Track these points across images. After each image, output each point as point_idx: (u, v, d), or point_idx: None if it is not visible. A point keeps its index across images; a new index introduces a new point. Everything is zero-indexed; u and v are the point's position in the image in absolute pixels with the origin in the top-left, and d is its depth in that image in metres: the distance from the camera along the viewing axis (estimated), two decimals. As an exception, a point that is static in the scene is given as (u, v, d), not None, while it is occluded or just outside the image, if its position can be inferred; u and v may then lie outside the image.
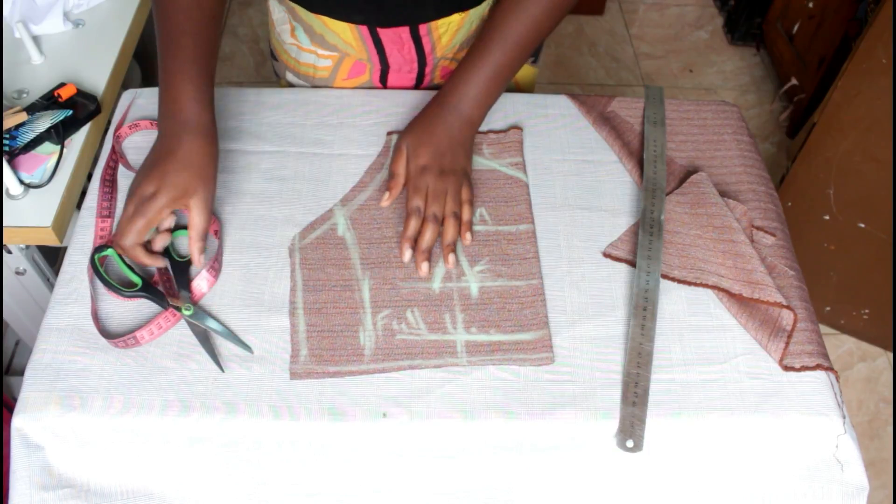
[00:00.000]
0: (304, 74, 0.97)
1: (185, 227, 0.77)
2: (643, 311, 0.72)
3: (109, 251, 0.74)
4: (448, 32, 0.90)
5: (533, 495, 0.68)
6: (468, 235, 0.78)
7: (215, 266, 0.75)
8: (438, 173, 0.79)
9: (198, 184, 0.72)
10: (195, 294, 0.73)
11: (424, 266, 0.75)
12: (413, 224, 0.76)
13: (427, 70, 0.95)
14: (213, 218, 0.77)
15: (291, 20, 0.93)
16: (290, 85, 1.00)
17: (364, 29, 0.88)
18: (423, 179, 0.78)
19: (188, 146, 0.73)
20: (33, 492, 0.65)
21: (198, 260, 0.73)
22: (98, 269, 0.73)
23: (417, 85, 0.97)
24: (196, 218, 0.72)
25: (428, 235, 0.76)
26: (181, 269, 0.75)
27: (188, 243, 0.73)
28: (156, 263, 0.74)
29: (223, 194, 0.82)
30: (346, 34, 0.90)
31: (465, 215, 0.78)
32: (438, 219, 0.77)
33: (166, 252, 0.76)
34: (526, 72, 1.02)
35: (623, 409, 0.66)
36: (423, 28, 0.89)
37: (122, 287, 0.72)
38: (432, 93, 0.93)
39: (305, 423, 0.66)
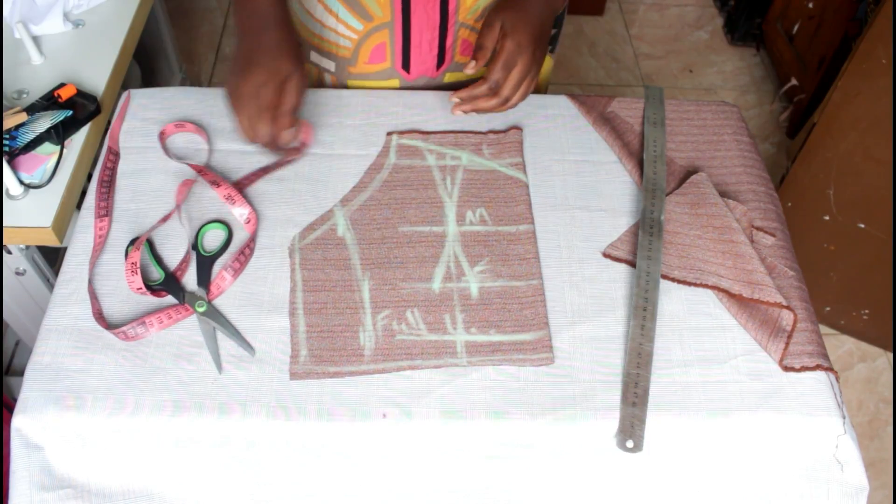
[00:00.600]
0: (328, 52, 0.97)
1: (214, 222, 0.79)
2: (643, 312, 0.72)
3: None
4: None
5: (533, 496, 0.68)
6: (471, 63, 0.80)
7: (235, 266, 0.75)
8: (530, 56, 0.79)
9: (296, 68, 0.75)
10: (213, 292, 0.73)
11: (458, 110, 0.81)
12: (483, 92, 0.79)
13: (448, 44, 0.94)
14: (252, 216, 0.78)
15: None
16: (314, 65, 1.00)
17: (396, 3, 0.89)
18: (515, 58, 0.78)
19: (275, 37, 0.76)
20: (33, 492, 0.65)
21: (287, 135, 0.76)
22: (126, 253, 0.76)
23: (438, 65, 0.96)
24: (286, 96, 0.75)
25: (484, 105, 0.80)
26: (205, 265, 0.75)
27: (278, 118, 0.75)
28: (287, 139, 0.77)
29: (223, 194, 0.82)
30: (373, 5, 0.89)
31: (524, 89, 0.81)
32: (507, 101, 0.80)
33: (193, 247, 0.77)
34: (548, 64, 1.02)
35: (623, 410, 0.66)
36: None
37: (146, 280, 0.73)
38: (432, 93, 0.94)
39: (305, 423, 0.66)
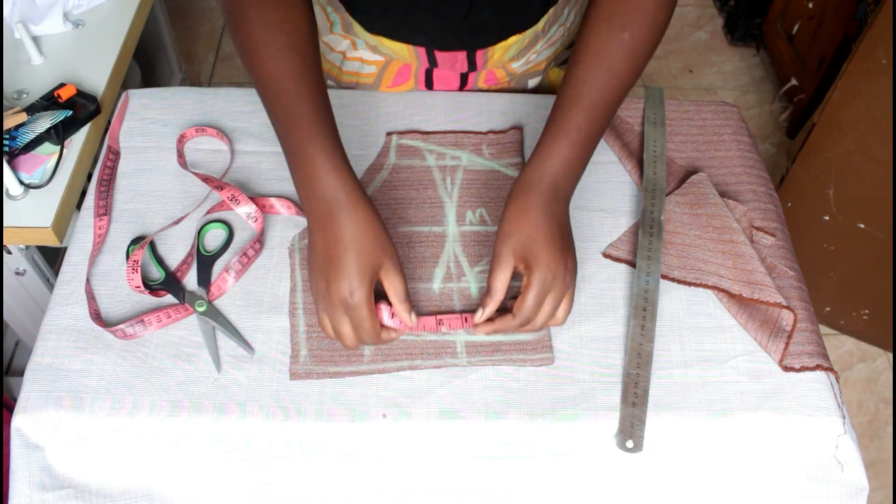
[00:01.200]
0: (348, 83, 0.96)
1: (216, 222, 0.79)
2: (643, 312, 0.72)
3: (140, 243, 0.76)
4: (502, 49, 0.89)
5: (533, 496, 0.68)
6: (483, 330, 0.70)
7: (237, 268, 0.75)
8: (559, 281, 0.67)
9: (382, 257, 0.66)
10: (213, 293, 0.73)
11: (481, 333, 0.70)
12: (511, 327, 0.68)
13: (471, 77, 0.95)
14: (258, 214, 0.78)
15: (342, 27, 0.91)
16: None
17: (422, 50, 0.89)
18: (543, 291, 0.67)
19: (351, 225, 0.65)
20: (33, 492, 0.65)
21: (408, 319, 0.68)
22: (127, 256, 0.75)
23: (461, 87, 0.97)
24: (391, 286, 0.66)
25: (506, 326, 0.69)
26: (205, 264, 0.75)
27: (395, 309, 0.68)
28: (389, 336, 0.69)
29: (223, 194, 0.82)
30: (402, 51, 0.90)
31: (539, 323, 0.68)
32: (538, 327, 0.69)
33: (195, 245, 0.77)
34: (560, 75, 1.03)
35: (623, 410, 0.66)
36: (479, 51, 0.89)
37: (147, 280, 0.73)
38: (432, 93, 0.94)
39: (305, 423, 0.66)
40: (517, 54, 0.92)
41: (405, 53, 0.90)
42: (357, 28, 0.89)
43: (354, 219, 0.65)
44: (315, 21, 0.73)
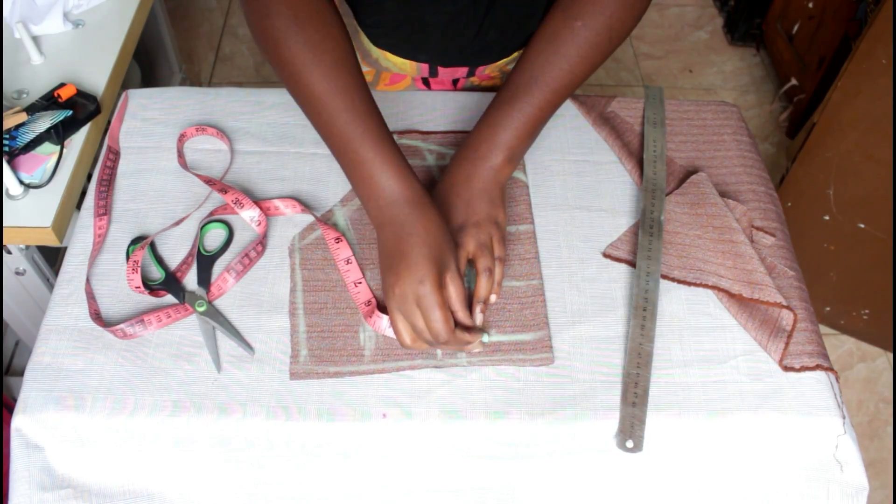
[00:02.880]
0: None
1: (215, 221, 0.78)
2: (643, 312, 0.72)
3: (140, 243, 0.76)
4: (502, 63, 0.91)
5: (533, 496, 0.68)
6: (493, 297, 0.71)
7: (238, 268, 0.75)
8: (473, 227, 0.73)
9: (448, 257, 0.67)
10: (214, 293, 0.73)
11: (480, 317, 0.71)
12: (485, 284, 0.71)
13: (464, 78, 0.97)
14: (262, 217, 0.78)
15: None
16: None
17: (424, 66, 0.90)
18: (468, 238, 0.72)
19: (416, 224, 0.67)
20: (33, 492, 0.65)
21: (470, 323, 0.68)
22: (127, 256, 0.75)
23: (454, 85, 0.97)
24: (452, 291, 0.67)
25: (482, 291, 0.71)
26: (205, 264, 0.75)
27: (455, 317, 0.67)
28: (476, 338, 0.69)
29: (223, 194, 0.82)
30: (405, 66, 0.91)
31: (497, 274, 0.72)
32: (490, 272, 0.71)
33: (196, 245, 0.77)
34: None
35: (623, 410, 0.66)
36: (481, 68, 0.90)
37: (147, 280, 0.73)
38: (432, 93, 0.94)
39: (305, 423, 0.66)
40: (513, 60, 0.92)
41: (407, 69, 0.91)
42: (363, 38, 0.90)
43: (423, 216, 0.68)
44: (350, 38, 0.73)
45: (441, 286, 0.66)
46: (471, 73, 0.92)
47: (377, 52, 0.91)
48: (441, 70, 0.91)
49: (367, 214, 0.72)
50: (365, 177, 0.69)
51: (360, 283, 0.74)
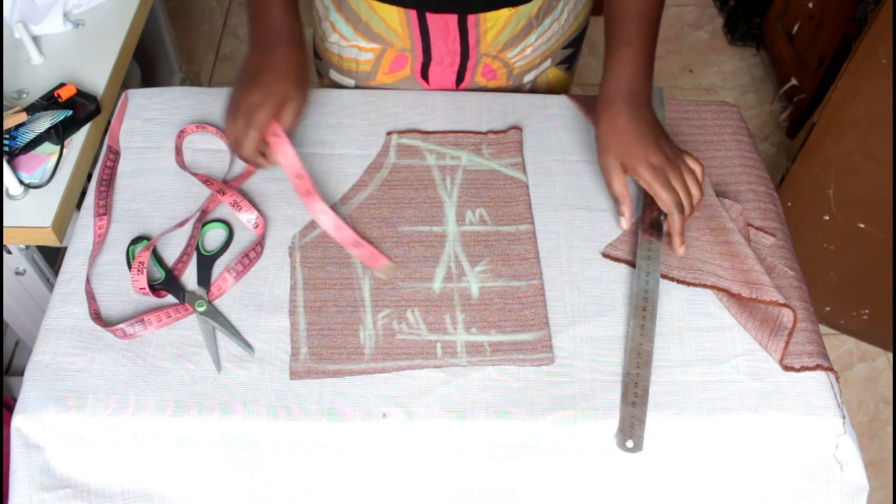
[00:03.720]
0: (348, 70, 0.98)
1: (215, 221, 0.79)
2: (643, 312, 0.72)
3: (143, 243, 0.76)
4: (495, 27, 0.90)
5: (533, 495, 0.68)
6: (681, 250, 0.77)
7: (238, 268, 0.75)
8: (670, 164, 0.75)
9: (296, 92, 0.77)
10: (214, 293, 0.73)
11: (681, 249, 0.76)
12: (678, 220, 0.74)
13: (469, 65, 0.95)
14: (260, 220, 0.78)
15: (336, 9, 0.93)
16: (333, 83, 1.01)
17: (413, 14, 0.89)
18: (661, 177, 0.74)
19: (283, 55, 0.77)
20: (33, 492, 0.65)
21: (277, 155, 0.77)
22: (129, 259, 0.75)
23: (458, 81, 0.97)
24: (287, 116, 0.76)
25: (677, 225, 0.75)
26: (205, 264, 0.75)
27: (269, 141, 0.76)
28: (264, 165, 0.79)
29: (223, 194, 0.82)
30: (393, 19, 0.90)
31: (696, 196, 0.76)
32: (688, 207, 0.75)
33: (194, 243, 0.77)
34: (562, 78, 1.03)
35: (623, 409, 0.66)
36: (471, 19, 0.89)
37: (147, 280, 0.73)
38: (432, 93, 0.94)
39: (305, 423, 0.66)
40: (511, 40, 0.92)
41: (395, 22, 0.90)
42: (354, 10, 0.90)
43: (289, 54, 0.78)
44: None
45: (274, 113, 0.75)
46: (463, 36, 0.91)
47: (366, 10, 0.90)
48: (431, 24, 0.89)
49: (248, 36, 0.81)
50: (262, 7, 0.80)
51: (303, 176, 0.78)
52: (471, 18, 0.89)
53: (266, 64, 0.77)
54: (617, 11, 0.81)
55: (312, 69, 0.80)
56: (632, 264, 0.77)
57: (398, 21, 0.90)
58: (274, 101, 0.75)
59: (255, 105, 0.75)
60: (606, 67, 0.80)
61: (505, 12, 0.88)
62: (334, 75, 1.00)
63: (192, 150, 0.86)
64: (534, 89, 1.01)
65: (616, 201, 0.78)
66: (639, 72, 0.79)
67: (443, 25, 0.90)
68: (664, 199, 0.74)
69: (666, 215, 0.76)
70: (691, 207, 0.75)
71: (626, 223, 0.78)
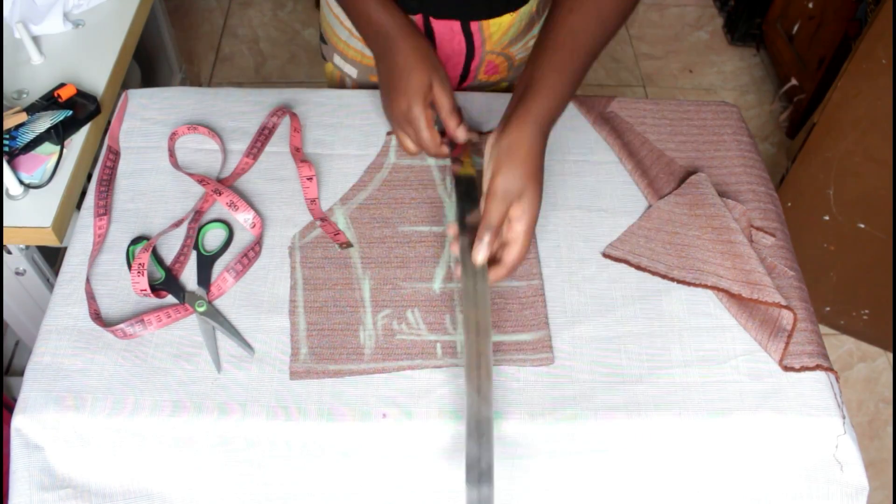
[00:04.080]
0: (352, 59, 0.99)
1: (215, 221, 0.79)
2: (477, 371, 0.63)
3: (142, 243, 0.76)
4: (499, 31, 0.92)
5: (532, 495, 0.68)
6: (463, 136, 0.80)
7: (237, 268, 0.75)
8: (529, 192, 0.69)
9: (431, 73, 0.77)
10: (213, 293, 0.73)
11: (482, 253, 0.68)
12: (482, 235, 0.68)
13: (473, 65, 0.96)
14: (257, 220, 0.78)
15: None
16: (336, 69, 1.02)
17: (417, 19, 0.90)
18: (509, 193, 0.68)
19: (404, 50, 0.79)
20: (33, 492, 0.65)
21: (457, 132, 0.79)
22: (129, 259, 0.75)
23: (462, 80, 0.98)
24: (441, 99, 0.78)
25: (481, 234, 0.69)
26: (205, 264, 0.75)
27: (444, 123, 0.79)
28: (443, 151, 0.80)
29: (223, 194, 0.82)
30: None
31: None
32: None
33: (193, 247, 0.77)
34: None
35: (469, 492, 0.59)
36: (474, 24, 0.91)
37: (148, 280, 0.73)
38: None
39: (305, 423, 0.66)
40: (515, 37, 0.92)
41: None
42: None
43: (407, 46, 0.79)
44: None
45: (426, 106, 0.77)
46: (468, 38, 0.91)
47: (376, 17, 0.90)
48: (437, 28, 0.90)
49: (370, 47, 0.84)
50: (367, 20, 0.82)
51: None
52: (474, 24, 0.90)
53: (394, 66, 0.79)
54: (549, 36, 0.73)
55: (431, 46, 0.81)
56: (632, 264, 0.77)
57: None
58: (419, 97, 0.77)
59: (407, 110, 0.78)
60: (528, 90, 0.72)
61: (507, 17, 0.89)
62: (338, 61, 1.00)
63: (188, 150, 0.86)
64: None
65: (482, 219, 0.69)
66: (556, 107, 0.72)
67: (447, 30, 0.91)
68: (487, 209, 0.68)
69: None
70: (492, 231, 0.67)
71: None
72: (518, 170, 0.68)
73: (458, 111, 0.80)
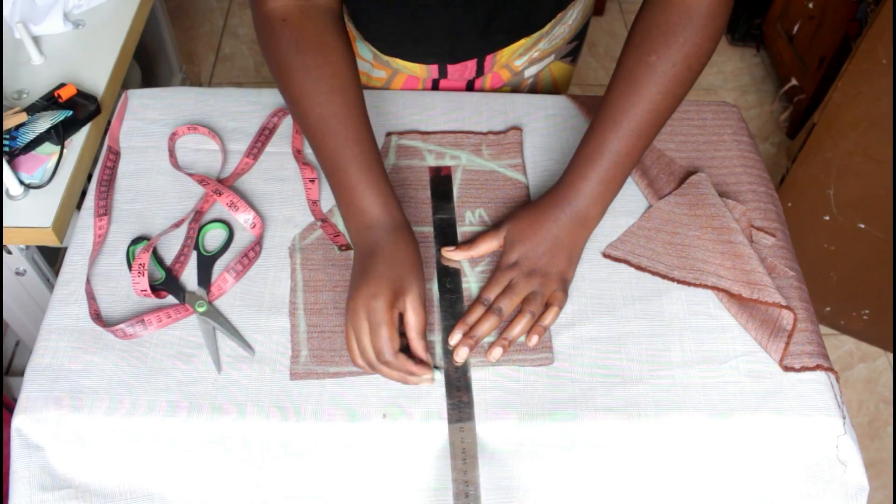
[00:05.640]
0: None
1: (215, 222, 0.78)
2: (465, 498, 0.65)
3: (143, 244, 0.75)
4: (509, 52, 0.91)
5: (533, 495, 0.68)
6: (535, 338, 0.69)
7: (238, 268, 0.75)
8: (527, 273, 0.71)
9: (410, 281, 0.67)
10: (214, 293, 0.73)
11: (463, 352, 0.68)
12: (475, 313, 0.70)
13: (478, 82, 0.97)
14: (257, 220, 0.78)
15: (362, 40, 0.92)
16: None
17: (434, 67, 0.91)
18: (506, 275, 0.71)
19: (391, 246, 0.69)
20: (33, 492, 0.65)
21: (424, 356, 0.67)
22: (129, 260, 0.75)
23: (467, 90, 0.98)
24: (412, 317, 0.67)
25: (484, 326, 0.69)
26: (205, 265, 0.75)
27: (410, 345, 0.67)
28: (422, 371, 0.66)
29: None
30: (415, 69, 0.92)
31: (546, 319, 0.70)
32: (504, 313, 0.70)
33: (194, 247, 0.77)
34: (566, 70, 1.03)
35: None
36: (489, 56, 0.90)
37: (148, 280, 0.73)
38: (432, 93, 0.94)
39: (305, 424, 0.66)
40: (523, 52, 0.92)
41: (417, 70, 0.91)
42: (371, 47, 0.91)
43: (397, 244, 0.69)
44: (355, 60, 0.74)
45: (394, 306, 0.66)
46: (480, 66, 0.92)
47: (386, 58, 0.92)
48: (451, 69, 0.91)
49: (347, 231, 0.73)
50: (349, 200, 0.71)
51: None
52: (489, 56, 0.90)
53: (374, 258, 0.68)
54: (599, 119, 0.73)
55: (420, 255, 0.71)
56: (632, 264, 0.77)
57: (419, 70, 0.92)
58: (388, 294, 0.65)
59: (374, 304, 0.65)
60: (571, 164, 0.75)
61: (521, 42, 0.89)
62: None
63: (188, 150, 0.86)
64: (537, 83, 1.01)
65: (464, 244, 0.75)
66: (590, 189, 0.72)
67: (461, 67, 0.91)
68: (485, 290, 0.71)
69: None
70: (498, 317, 0.69)
71: (448, 252, 0.75)
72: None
73: (425, 338, 0.68)
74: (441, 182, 0.81)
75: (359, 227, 0.71)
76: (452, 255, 0.75)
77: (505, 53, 0.90)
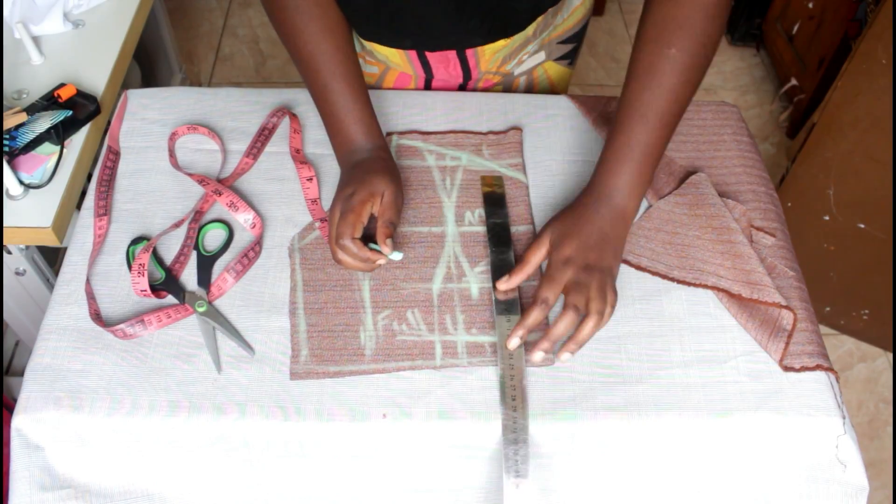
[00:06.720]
0: None
1: (215, 221, 0.79)
2: (512, 401, 0.66)
3: (143, 244, 0.75)
4: (492, 51, 0.91)
5: (533, 495, 0.68)
6: (566, 355, 0.68)
7: (237, 268, 0.75)
8: (583, 268, 0.70)
9: (386, 185, 0.74)
10: (213, 293, 0.73)
11: (538, 356, 0.68)
12: (536, 314, 0.68)
13: (469, 84, 0.97)
14: (257, 220, 0.78)
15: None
16: None
17: (412, 53, 0.90)
18: (563, 272, 0.70)
19: (370, 161, 0.77)
20: (33, 492, 0.65)
21: (384, 244, 0.72)
22: (129, 260, 0.75)
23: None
24: (382, 209, 0.74)
25: (563, 324, 0.67)
26: (205, 265, 0.75)
27: (376, 232, 0.73)
28: (377, 257, 0.72)
29: (223, 195, 0.82)
30: (395, 56, 0.92)
31: (586, 329, 0.68)
32: (579, 310, 0.68)
33: (194, 247, 0.77)
34: (563, 72, 1.03)
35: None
36: (469, 51, 0.90)
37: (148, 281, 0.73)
38: (432, 93, 0.94)
39: (305, 423, 0.66)
40: (509, 56, 0.92)
41: (398, 60, 0.91)
42: (355, 34, 0.90)
43: (377, 158, 0.77)
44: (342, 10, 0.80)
45: (366, 202, 0.73)
46: (463, 62, 0.92)
47: (368, 46, 0.91)
48: (431, 59, 0.91)
49: (336, 158, 0.81)
50: (338, 129, 0.79)
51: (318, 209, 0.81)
52: (469, 51, 0.90)
53: (356, 168, 0.77)
54: (623, 113, 0.74)
55: (399, 176, 0.78)
56: (632, 264, 0.77)
57: (399, 58, 0.92)
58: (365, 189, 0.73)
59: (349, 195, 0.73)
60: (601, 159, 0.76)
61: (501, 42, 0.89)
62: None
63: (188, 150, 0.86)
64: (532, 83, 1.01)
65: (520, 261, 0.74)
66: (625, 181, 0.73)
67: (442, 59, 0.91)
68: (542, 289, 0.70)
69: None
70: (576, 313, 0.68)
71: (503, 285, 0.73)
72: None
73: (394, 229, 0.73)
74: (494, 194, 0.83)
75: (345, 152, 0.79)
76: (510, 285, 0.73)
77: (487, 52, 0.90)
